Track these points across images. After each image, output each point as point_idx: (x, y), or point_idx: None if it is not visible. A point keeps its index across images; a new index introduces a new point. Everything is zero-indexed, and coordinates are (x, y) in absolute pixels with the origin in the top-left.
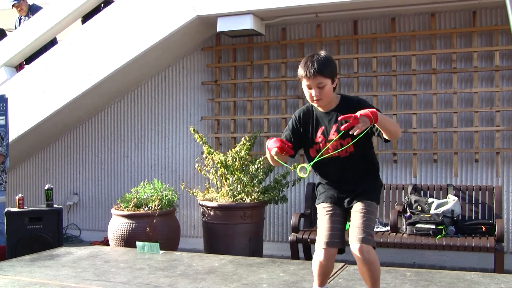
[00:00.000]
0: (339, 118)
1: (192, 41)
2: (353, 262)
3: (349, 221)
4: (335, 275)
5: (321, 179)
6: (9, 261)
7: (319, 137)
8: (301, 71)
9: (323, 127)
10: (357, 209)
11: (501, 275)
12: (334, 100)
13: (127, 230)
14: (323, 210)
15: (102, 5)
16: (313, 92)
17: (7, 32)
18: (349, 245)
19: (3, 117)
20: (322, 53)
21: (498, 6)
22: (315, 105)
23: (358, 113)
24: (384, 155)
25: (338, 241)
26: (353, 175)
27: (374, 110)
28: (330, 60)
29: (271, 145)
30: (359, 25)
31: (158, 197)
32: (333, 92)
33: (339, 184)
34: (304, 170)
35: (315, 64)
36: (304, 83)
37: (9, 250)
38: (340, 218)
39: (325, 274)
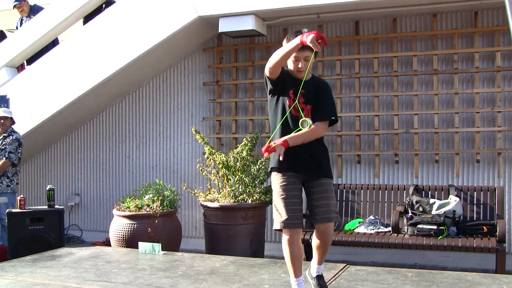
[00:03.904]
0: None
1: (194, 42)
2: (354, 263)
3: (310, 194)
4: (337, 275)
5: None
6: (11, 261)
7: (290, 94)
8: None
9: (294, 89)
10: (323, 189)
11: (503, 275)
12: (309, 74)
13: (128, 231)
14: (281, 186)
15: (104, 5)
16: (300, 63)
17: (8, 33)
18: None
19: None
20: (306, 30)
21: (500, 7)
22: (295, 74)
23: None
24: (386, 156)
25: (299, 222)
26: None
27: (285, 140)
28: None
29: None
30: (361, 25)
31: (160, 198)
32: None
33: (299, 148)
34: (306, 123)
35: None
36: (293, 55)
37: (10, 251)
38: (299, 193)
39: (297, 258)
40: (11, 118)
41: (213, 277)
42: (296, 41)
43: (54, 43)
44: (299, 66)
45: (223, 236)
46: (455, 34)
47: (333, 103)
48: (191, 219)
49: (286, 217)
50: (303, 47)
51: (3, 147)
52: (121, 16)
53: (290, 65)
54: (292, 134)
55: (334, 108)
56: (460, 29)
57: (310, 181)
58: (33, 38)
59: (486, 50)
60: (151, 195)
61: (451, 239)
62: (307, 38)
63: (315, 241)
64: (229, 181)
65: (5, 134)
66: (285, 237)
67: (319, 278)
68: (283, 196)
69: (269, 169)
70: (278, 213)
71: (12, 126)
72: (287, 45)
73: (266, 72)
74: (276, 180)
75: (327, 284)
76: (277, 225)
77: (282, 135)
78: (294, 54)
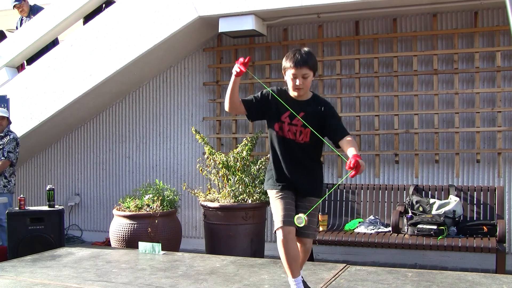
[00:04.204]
0: (347, 167)
1: (194, 42)
2: (354, 263)
3: (297, 207)
4: (337, 275)
5: (275, 164)
6: (11, 261)
7: (285, 118)
8: (289, 62)
9: (290, 112)
10: (307, 205)
11: (503, 275)
12: (308, 93)
13: (128, 231)
14: (276, 195)
15: (104, 5)
16: (297, 81)
17: (8, 33)
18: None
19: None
20: (306, 48)
21: (500, 7)
22: (293, 93)
23: (354, 161)
24: (386, 156)
25: (293, 220)
26: (304, 161)
27: (357, 156)
28: (313, 55)
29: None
30: (361, 25)
31: (160, 198)
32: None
33: (292, 168)
34: (301, 220)
35: (304, 57)
36: (290, 72)
37: (10, 251)
38: (292, 201)
39: (293, 258)
40: (8, 118)
41: (213, 277)
42: (232, 76)
43: (54, 43)
44: (297, 83)
45: (223, 236)
46: (455, 34)
47: (342, 122)
48: (191, 219)
49: (283, 214)
50: (300, 64)
51: (0, 147)
52: (121, 16)
53: (289, 83)
54: (355, 147)
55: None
56: (460, 29)
57: (299, 196)
58: (33, 38)
59: (486, 50)
60: (151, 195)
61: (451, 239)
62: (235, 67)
63: None
64: (229, 181)
65: (2, 134)
66: (279, 238)
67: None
68: (279, 198)
69: (264, 188)
70: (276, 214)
71: (10, 126)
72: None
73: (226, 109)
74: (272, 194)
75: (327, 284)
76: (277, 224)
77: (278, 159)
78: (292, 72)
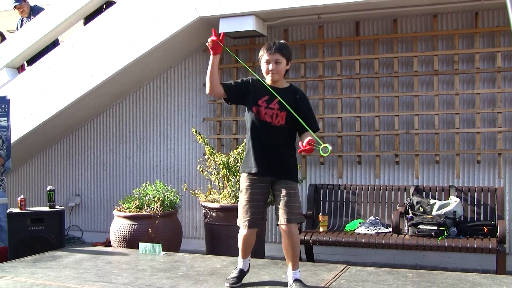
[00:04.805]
0: (302, 147)
1: (194, 42)
2: (355, 264)
3: (275, 196)
4: (337, 276)
5: (253, 146)
6: (11, 262)
7: (263, 102)
8: (262, 51)
9: (268, 96)
10: (286, 192)
11: (503, 276)
12: (284, 83)
13: (129, 232)
14: (247, 187)
15: (104, 6)
16: (270, 66)
17: (8, 34)
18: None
19: (5, 119)
20: (282, 41)
21: (500, 7)
22: (269, 78)
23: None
24: (386, 157)
25: (257, 223)
26: (280, 143)
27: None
28: (287, 45)
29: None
30: (361, 26)
31: (160, 199)
32: (283, 75)
33: (269, 149)
34: (326, 149)
35: (276, 44)
36: (264, 58)
37: (11, 251)
38: (263, 196)
39: (248, 246)
40: None
41: (214, 277)
42: (211, 56)
43: (55, 43)
44: (270, 68)
45: (224, 236)
46: (455, 34)
47: (313, 112)
48: (191, 220)
49: (248, 218)
50: (272, 51)
51: None
52: (122, 16)
53: (263, 68)
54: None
55: (315, 117)
56: (460, 29)
57: (276, 184)
58: (33, 39)
59: (486, 51)
60: (151, 196)
61: (451, 239)
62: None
63: (283, 244)
64: (230, 182)
65: None
66: (242, 231)
67: (297, 280)
68: (248, 200)
69: (240, 171)
70: (241, 213)
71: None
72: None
73: (207, 91)
74: (244, 182)
75: (327, 285)
76: (239, 223)
77: (256, 141)
78: (265, 58)
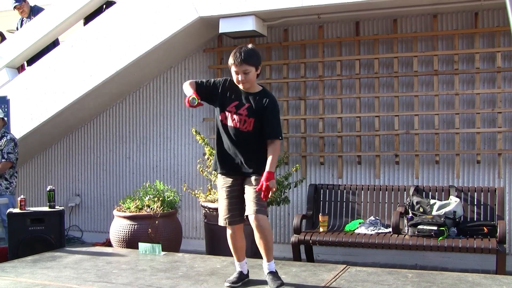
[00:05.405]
0: (257, 188)
1: (194, 42)
2: (355, 264)
3: (245, 190)
4: (337, 276)
5: (220, 149)
6: (11, 262)
7: (232, 108)
8: (230, 60)
9: (238, 102)
10: (250, 186)
11: (503, 276)
12: (257, 87)
13: (129, 232)
14: (222, 186)
15: (104, 6)
16: (239, 76)
17: (8, 34)
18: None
19: (5, 119)
20: (249, 45)
21: (500, 8)
22: (240, 86)
23: (264, 183)
24: (386, 157)
25: (237, 219)
26: (246, 148)
27: (268, 175)
28: (255, 51)
29: (189, 93)
30: (361, 26)
31: (160, 199)
32: (256, 79)
33: (236, 152)
34: (194, 100)
35: (242, 55)
36: (233, 69)
37: (11, 252)
38: (237, 193)
39: (237, 246)
40: (3, 119)
41: (214, 278)
42: (188, 92)
43: (55, 44)
44: (239, 79)
45: (224, 236)
46: (455, 34)
47: (279, 121)
48: (191, 220)
49: (228, 215)
50: (239, 62)
51: None
52: (122, 17)
53: (233, 77)
54: (271, 162)
55: (280, 127)
56: (460, 29)
57: (244, 180)
58: (33, 39)
59: (486, 51)
60: (151, 196)
61: (451, 240)
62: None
63: (255, 237)
64: None
65: None
66: (228, 231)
67: (271, 273)
68: (224, 197)
69: (211, 169)
70: (221, 210)
71: (10, 127)
72: (185, 89)
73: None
74: (220, 182)
75: (327, 284)
76: (220, 222)
77: (223, 146)
78: (234, 69)
